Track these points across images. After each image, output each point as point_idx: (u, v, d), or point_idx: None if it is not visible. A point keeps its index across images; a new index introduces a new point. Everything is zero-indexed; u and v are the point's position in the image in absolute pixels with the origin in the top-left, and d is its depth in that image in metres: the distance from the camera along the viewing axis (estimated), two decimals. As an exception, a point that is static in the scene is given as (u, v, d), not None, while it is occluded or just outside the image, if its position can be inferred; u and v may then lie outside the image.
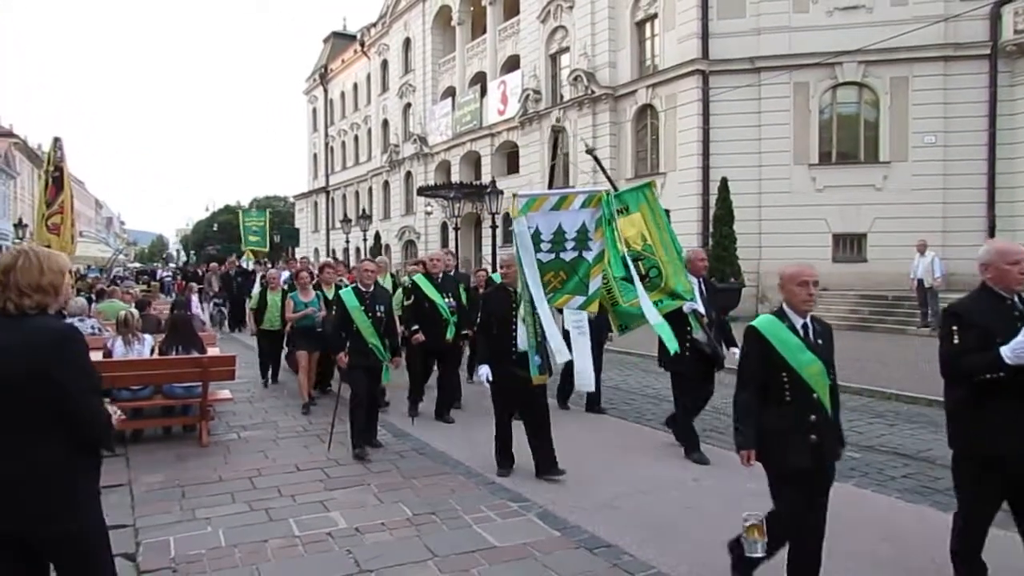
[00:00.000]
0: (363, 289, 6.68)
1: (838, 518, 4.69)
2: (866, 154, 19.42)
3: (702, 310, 6.15)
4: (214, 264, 21.39)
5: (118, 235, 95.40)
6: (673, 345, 5.80)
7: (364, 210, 36.36)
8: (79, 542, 2.41)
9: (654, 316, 5.74)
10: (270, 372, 10.43)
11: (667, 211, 6.49)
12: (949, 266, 16.03)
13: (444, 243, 32.58)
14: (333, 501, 5.20)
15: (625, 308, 6.19)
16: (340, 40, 48.71)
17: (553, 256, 5.59)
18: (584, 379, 5.95)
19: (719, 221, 18.56)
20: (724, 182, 18.68)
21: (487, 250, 26.52)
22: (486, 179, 27.85)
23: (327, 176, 48.73)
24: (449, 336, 7.89)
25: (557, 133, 7.34)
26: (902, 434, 7.21)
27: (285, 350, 10.24)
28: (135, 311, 7.57)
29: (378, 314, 6.59)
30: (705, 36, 20.09)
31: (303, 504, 5.15)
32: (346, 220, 33.98)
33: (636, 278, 5.87)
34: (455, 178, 30.83)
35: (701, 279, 6.39)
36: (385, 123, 39.84)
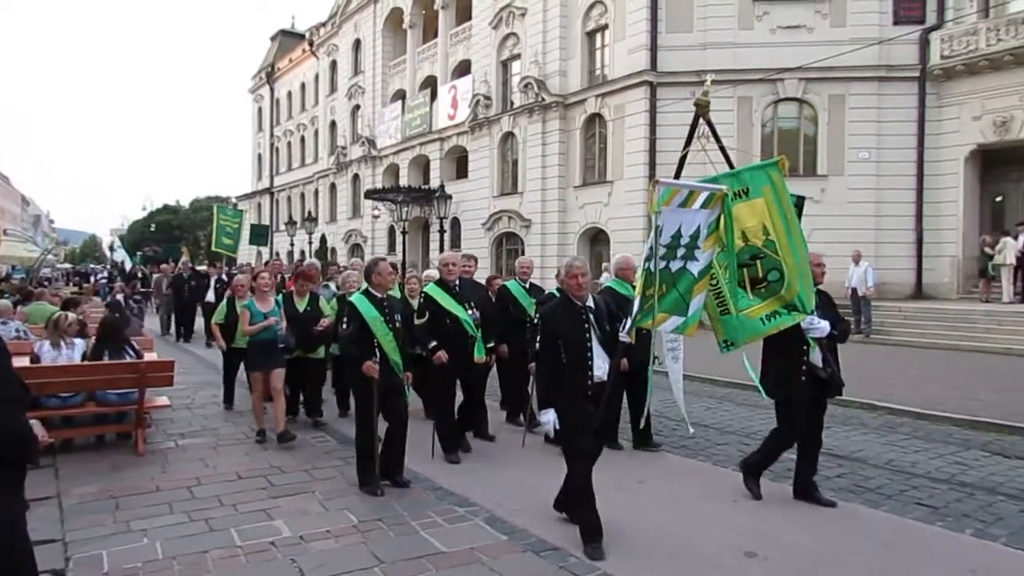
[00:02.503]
0: (379, 296, 5.64)
1: (778, 515, 4.86)
2: (805, 167, 20.07)
3: (826, 328, 5.09)
4: (164, 266, 19.96)
5: (47, 234, 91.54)
6: (755, 377, 4.95)
7: (310, 212, 35.83)
8: None
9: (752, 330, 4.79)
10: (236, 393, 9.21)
11: (800, 197, 5.20)
12: (881, 275, 16.76)
13: (392, 247, 32.34)
14: (277, 509, 5.09)
15: (737, 319, 4.87)
16: (288, 39, 47.96)
17: (664, 265, 4.49)
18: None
19: (664, 230, 18.91)
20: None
21: (435, 254, 26.41)
22: (435, 183, 27.80)
23: (272, 177, 47.84)
24: (478, 355, 6.56)
25: (700, 107, 4.51)
26: (836, 436, 7.45)
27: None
28: (70, 314, 7.26)
29: (397, 325, 5.63)
30: (654, 48, 20.50)
31: (245, 513, 5.03)
32: (291, 222, 33.41)
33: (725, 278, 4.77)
34: (403, 182, 30.66)
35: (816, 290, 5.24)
36: (333, 124, 39.34)
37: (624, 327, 4.54)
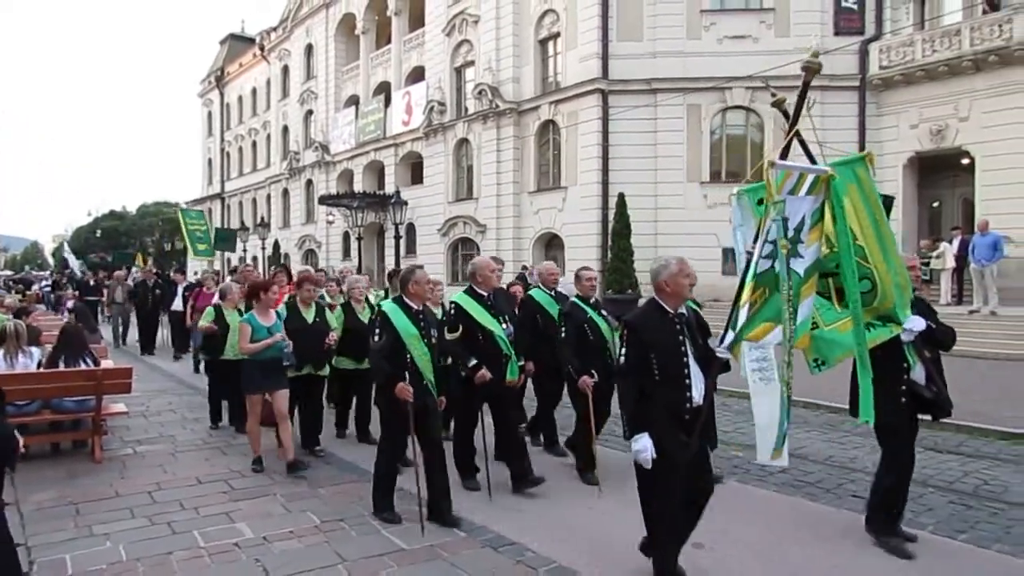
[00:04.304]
0: (414, 307, 5.09)
1: (723, 510, 5.10)
2: (752, 174, 20.65)
3: (920, 322, 4.35)
4: (118, 272, 18.70)
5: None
6: (868, 409, 4.08)
7: (263, 218, 35.39)
8: None
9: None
10: (226, 410, 8.24)
11: (888, 197, 4.66)
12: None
13: (346, 252, 32.18)
14: (238, 512, 5.17)
15: (827, 335, 4.33)
16: (237, 43, 47.27)
17: (768, 265, 3.86)
18: (765, 445, 3.99)
19: (617, 235, 19.37)
20: (621, 197, 19.55)
21: (390, 260, 26.40)
22: (390, 189, 27.77)
23: (223, 182, 47.08)
24: (511, 376, 5.81)
25: (811, 70, 3.56)
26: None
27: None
28: (22, 323, 7.17)
29: (433, 341, 5.10)
30: (605, 57, 20.93)
31: (207, 516, 5.09)
32: (243, 228, 32.94)
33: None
34: (358, 187, 30.54)
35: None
36: (285, 129, 38.94)
37: (723, 341, 3.88)
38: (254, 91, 43.19)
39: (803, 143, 4.15)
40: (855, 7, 20.00)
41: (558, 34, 22.78)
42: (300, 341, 6.46)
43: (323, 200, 30.06)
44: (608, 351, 6.05)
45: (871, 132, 19.67)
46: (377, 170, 31.59)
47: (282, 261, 29.93)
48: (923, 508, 5.32)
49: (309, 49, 36.50)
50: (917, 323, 4.31)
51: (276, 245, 34.99)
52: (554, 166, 23.10)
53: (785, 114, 4.28)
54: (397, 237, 23.62)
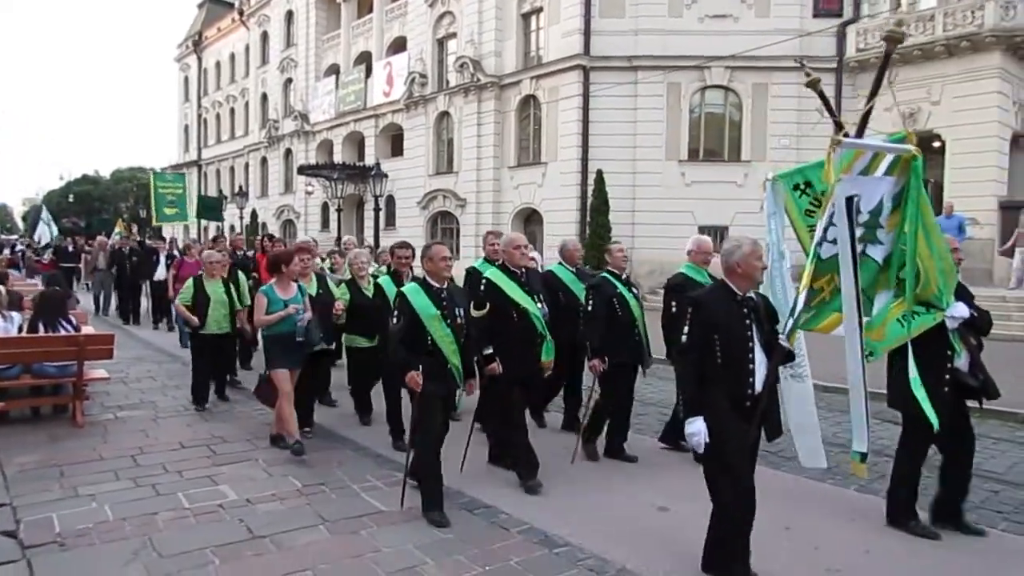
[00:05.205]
0: (436, 286, 4.72)
1: (689, 475, 5.32)
2: (730, 153, 20.94)
3: (964, 309, 4.21)
4: (100, 238, 18.12)
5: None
6: (931, 413, 4.06)
7: (241, 187, 35.04)
8: None
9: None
10: (213, 388, 7.87)
11: (927, 182, 4.39)
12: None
13: (325, 224, 32.03)
14: (222, 475, 5.33)
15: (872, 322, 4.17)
16: (216, 6, 46.26)
17: (835, 249, 3.66)
18: (809, 450, 4.04)
19: (595, 211, 19.59)
20: (600, 174, 19.76)
21: (368, 232, 26.38)
22: (369, 160, 27.65)
23: (199, 149, 46.38)
24: (545, 358, 5.50)
25: (893, 39, 3.50)
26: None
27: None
28: (2, 288, 7.20)
29: (458, 321, 4.71)
30: (587, 33, 20.92)
31: (191, 479, 5.25)
32: (220, 196, 32.60)
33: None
34: (337, 158, 30.34)
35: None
36: (264, 97, 38.40)
37: (784, 328, 3.74)
38: (232, 57, 42.44)
39: (864, 123, 3.88)
40: (835, -11, 20.18)
41: (541, 9, 22.70)
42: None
43: (302, 170, 29.84)
44: (637, 328, 5.82)
45: (847, 114, 19.73)
46: (357, 141, 31.38)
47: (259, 231, 29.77)
48: (876, 475, 5.40)
49: (290, 16, 35.92)
50: (961, 310, 4.19)
51: (254, 215, 34.71)
52: (534, 141, 23.15)
53: (820, 94, 4.14)
54: (377, 209, 23.60)
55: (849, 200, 3.51)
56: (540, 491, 5.04)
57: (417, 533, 4.32)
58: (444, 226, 26.28)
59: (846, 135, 3.76)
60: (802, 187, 4.40)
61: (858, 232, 3.61)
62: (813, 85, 4.05)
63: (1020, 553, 4.27)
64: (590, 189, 20.35)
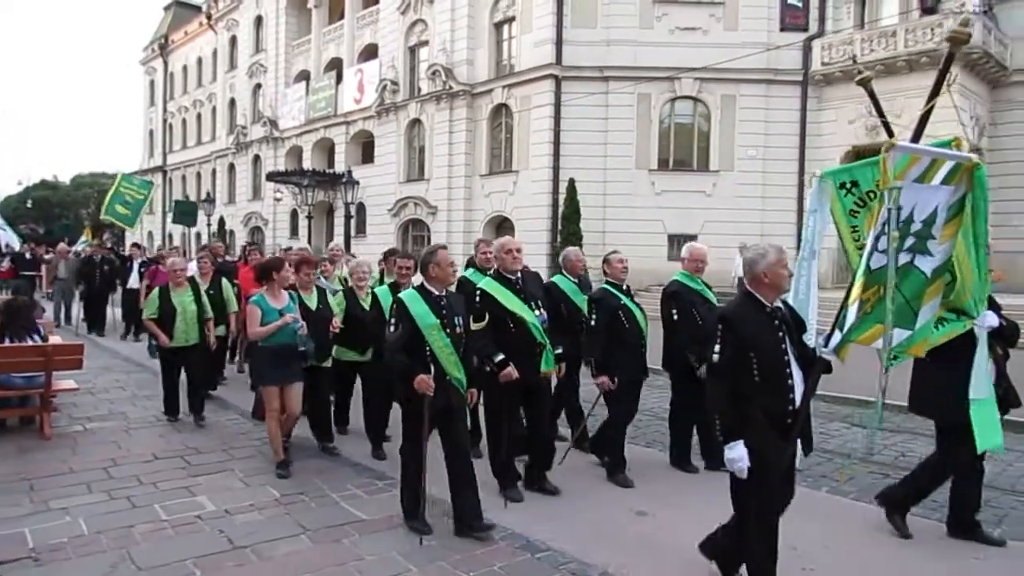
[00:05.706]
0: (436, 294, 4.54)
1: (670, 480, 5.41)
2: (699, 163, 21.29)
3: (994, 318, 4.19)
4: (61, 246, 17.39)
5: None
6: (996, 435, 4.07)
7: (208, 193, 34.57)
8: None
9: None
10: (185, 403, 7.45)
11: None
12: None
13: (294, 231, 31.74)
14: (198, 486, 5.27)
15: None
16: (183, 9, 45.75)
17: (885, 260, 3.46)
18: None
19: (567, 219, 19.78)
20: (572, 183, 19.97)
21: (339, 239, 26.18)
22: (340, 167, 27.51)
23: (165, 155, 45.71)
24: (546, 367, 5.19)
25: (957, 39, 3.14)
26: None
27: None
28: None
29: (458, 330, 4.52)
30: (559, 43, 21.16)
31: (167, 491, 5.17)
32: (196, 201, 32.10)
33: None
34: (307, 164, 30.14)
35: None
36: (232, 102, 37.99)
37: (828, 342, 3.56)
38: (200, 61, 41.94)
39: (921, 128, 3.65)
40: (800, 4, 20.69)
41: (513, 18, 22.88)
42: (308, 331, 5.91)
43: (271, 177, 29.58)
44: (645, 344, 5.64)
45: (811, 125, 20.44)
46: (327, 148, 31.19)
47: (226, 239, 29.37)
48: (846, 478, 5.69)
49: (259, 20, 35.63)
50: (991, 319, 4.15)
51: (221, 222, 34.28)
52: (506, 150, 23.27)
53: (871, 94, 3.98)
54: (348, 217, 23.44)
55: (893, 211, 3.44)
56: (520, 500, 5.05)
57: (400, 541, 4.32)
58: (415, 233, 26.23)
59: (913, 140, 3.65)
60: (848, 186, 4.32)
61: (908, 242, 3.52)
62: (864, 83, 3.92)
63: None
64: (561, 197, 20.54)
